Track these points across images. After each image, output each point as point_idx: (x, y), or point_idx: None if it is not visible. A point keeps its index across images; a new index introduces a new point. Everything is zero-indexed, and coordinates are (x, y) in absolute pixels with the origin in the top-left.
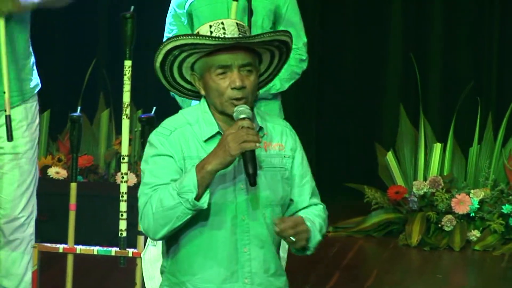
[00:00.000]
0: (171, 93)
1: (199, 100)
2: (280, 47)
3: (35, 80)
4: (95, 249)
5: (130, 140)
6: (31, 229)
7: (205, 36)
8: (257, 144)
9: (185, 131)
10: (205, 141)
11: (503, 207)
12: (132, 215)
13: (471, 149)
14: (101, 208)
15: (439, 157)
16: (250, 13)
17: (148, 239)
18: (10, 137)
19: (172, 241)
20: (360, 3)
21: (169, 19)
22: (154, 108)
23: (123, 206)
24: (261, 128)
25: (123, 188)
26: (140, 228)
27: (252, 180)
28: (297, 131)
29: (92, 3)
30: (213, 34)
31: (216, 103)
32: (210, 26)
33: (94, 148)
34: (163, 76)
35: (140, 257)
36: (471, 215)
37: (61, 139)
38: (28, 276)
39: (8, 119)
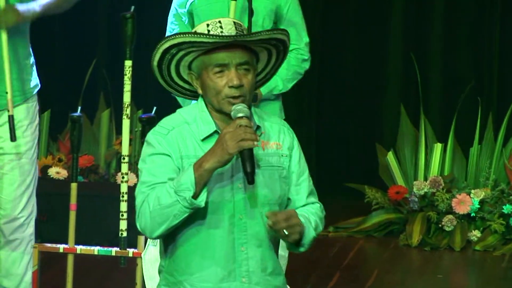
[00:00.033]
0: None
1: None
2: (277, 46)
3: (35, 80)
4: (96, 249)
5: (130, 140)
6: (31, 229)
7: (203, 34)
8: (255, 143)
9: (183, 130)
10: (203, 140)
11: (503, 207)
12: (132, 215)
13: (471, 149)
14: (101, 208)
15: (439, 157)
16: (251, 13)
17: (149, 239)
18: (13, 137)
19: (169, 240)
20: (360, 3)
21: (170, 18)
22: (155, 108)
23: (123, 206)
24: (258, 127)
25: (124, 188)
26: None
27: (250, 179)
28: (297, 131)
29: (92, 3)
30: (211, 33)
31: (214, 101)
32: (208, 25)
33: (95, 148)
34: (161, 76)
35: (141, 257)
36: (472, 215)
37: (61, 139)
38: (28, 276)
39: (11, 119)
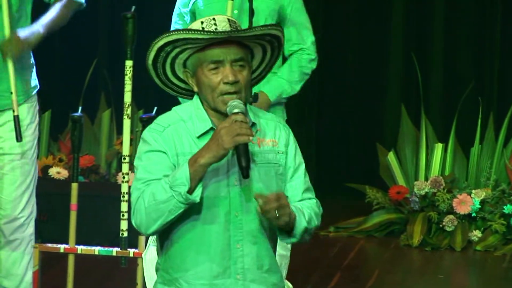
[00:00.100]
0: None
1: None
2: (272, 42)
3: (35, 81)
4: (96, 249)
5: (131, 140)
6: (31, 229)
7: (197, 30)
8: (250, 138)
9: (179, 127)
10: (198, 137)
11: (504, 207)
12: None
13: (472, 149)
14: (102, 208)
15: (440, 157)
16: (251, 13)
17: (149, 239)
18: (19, 137)
19: (165, 237)
20: (361, 2)
21: (174, 18)
22: (155, 108)
23: (124, 206)
24: (254, 124)
25: (124, 188)
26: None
27: (245, 173)
28: (298, 131)
29: (92, 3)
30: (205, 29)
31: (209, 99)
32: (202, 22)
33: (95, 148)
34: (156, 74)
35: (141, 257)
36: (473, 215)
37: (62, 139)
38: (29, 276)
39: (17, 120)
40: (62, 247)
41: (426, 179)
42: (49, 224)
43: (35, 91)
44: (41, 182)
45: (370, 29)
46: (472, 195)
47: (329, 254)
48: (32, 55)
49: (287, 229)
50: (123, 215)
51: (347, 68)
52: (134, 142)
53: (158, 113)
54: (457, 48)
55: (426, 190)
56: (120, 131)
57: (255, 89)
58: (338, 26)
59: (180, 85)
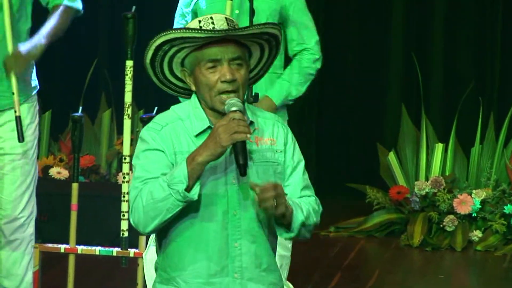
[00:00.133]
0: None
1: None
2: (269, 41)
3: (34, 81)
4: (97, 250)
5: (131, 140)
6: (31, 229)
7: (195, 29)
8: (248, 135)
9: (176, 126)
10: (196, 136)
11: (505, 207)
12: None
13: (473, 149)
14: (102, 208)
15: (440, 157)
16: (252, 13)
17: (150, 239)
18: (21, 138)
19: (163, 236)
20: (361, 2)
21: (176, 18)
22: (156, 108)
23: (124, 206)
24: (252, 123)
25: (125, 188)
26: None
27: (242, 171)
28: (298, 131)
29: (92, 3)
30: (203, 28)
31: (206, 97)
32: (200, 21)
33: (96, 148)
34: (154, 73)
35: (142, 257)
36: (473, 215)
37: (62, 139)
38: (29, 276)
39: (18, 120)
40: (62, 247)
41: (427, 179)
42: (49, 224)
43: (35, 91)
44: (42, 182)
45: (370, 29)
46: (473, 195)
47: (330, 254)
48: None
49: (285, 223)
50: (123, 215)
51: (347, 68)
52: (134, 142)
53: (159, 113)
54: (457, 48)
55: (427, 190)
56: (120, 131)
57: (259, 91)
58: (338, 26)
59: (178, 84)
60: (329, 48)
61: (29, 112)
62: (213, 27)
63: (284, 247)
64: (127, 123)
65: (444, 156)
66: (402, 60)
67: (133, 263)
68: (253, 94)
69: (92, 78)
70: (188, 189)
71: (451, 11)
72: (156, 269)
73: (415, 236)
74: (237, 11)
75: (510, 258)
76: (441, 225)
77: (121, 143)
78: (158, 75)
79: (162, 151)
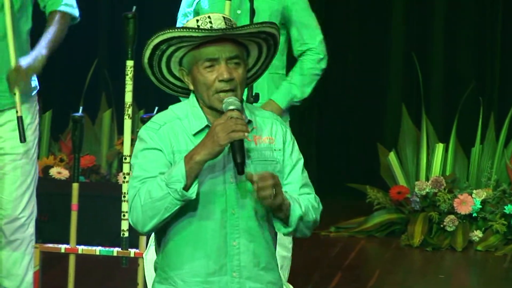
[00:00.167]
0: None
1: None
2: (267, 40)
3: (34, 82)
4: (97, 250)
5: (132, 140)
6: (31, 229)
7: (192, 28)
8: (246, 134)
9: (175, 125)
10: (194, 135)
11: (505, 207)
12: None
13: (473, 149)
14: (103, 208)
15: (441, 157)
16: (252, 13)
17: (150, 239)
18: (23, 138)
19: (162, 235)
20: (361, 2)
21: (179, 17)
22: (156, 108)
23: (125, 207)
24: (250, 121)
25: (125, 188)
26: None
27: (240, 169)
28: (298, 131)
29: (92, 3)
30: (200, 27)
31: (204, 96)
32: (197, 20)
33: (96, 148)
34: (152, 72)
35: (142, 258)
36: (474, 215)
37: (63, 139)
38: (29, 277)
39: (20, 120)
40: (63, 247)
41: (427, 179)
42: (49, 224)
43: (35, 92)
44: (42, 182)
45: (370, 29)
46: (473, 195)
47: (330, 254)
48: None
49: (282, 217)
50: (123, 215)
51: (347, 68)
52: (135, 142)
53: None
54: (458, 48)
55: (427, 190)
56: (121, 131)
57: (260, 91)
58: (338, 26)
59: (176, 83)
60: (329, 48)
61: (29, 112)
62: (211, 26)
63: (284, 248)
64: (127, 123)
65: (444, 156)
66: (402, 60)
67: (134, 263)
68: (253, 94)
69: (92, 78)
70: (186, 188)
71: (451, 11)
72: (155, 269)
73: (415, 236)
74: (238, 11)
75: (511, 258)
76: (442, 225)
77: (122, 143)
78: (156, 75)
79: (160, 150)
